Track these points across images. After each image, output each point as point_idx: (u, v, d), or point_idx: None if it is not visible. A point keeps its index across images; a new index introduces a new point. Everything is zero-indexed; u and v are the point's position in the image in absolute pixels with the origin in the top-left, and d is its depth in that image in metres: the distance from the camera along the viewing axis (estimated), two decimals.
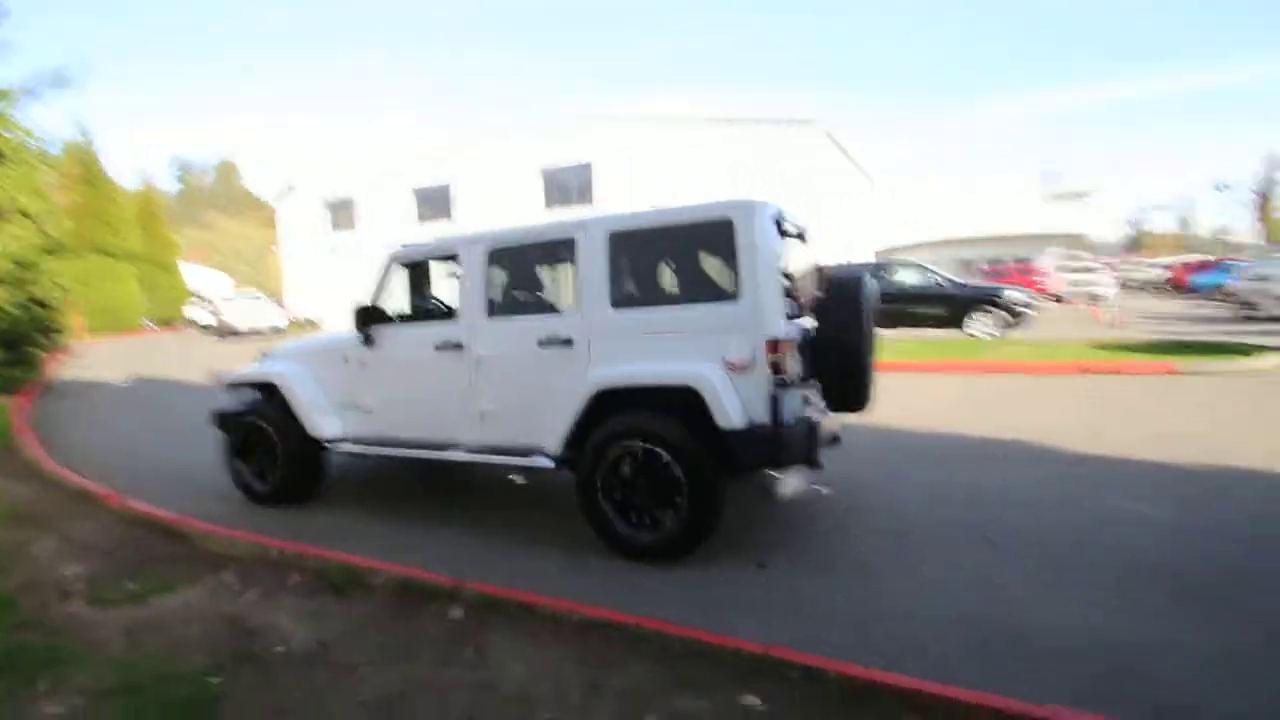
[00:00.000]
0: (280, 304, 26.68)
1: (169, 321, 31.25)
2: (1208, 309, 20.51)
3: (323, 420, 4.66)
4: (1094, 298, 22.12)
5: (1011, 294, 12.39)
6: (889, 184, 30.37)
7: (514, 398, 3.97)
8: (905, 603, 3.05)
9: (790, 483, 4.75)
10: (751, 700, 2.22)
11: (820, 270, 4.13)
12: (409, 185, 25.26)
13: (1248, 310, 16.15)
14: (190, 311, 30.31)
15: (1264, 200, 48.21)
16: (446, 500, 4.93)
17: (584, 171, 21.20)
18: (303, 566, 3.54)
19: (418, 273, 4.86)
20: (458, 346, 4.11)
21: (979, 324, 12.26)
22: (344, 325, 5.06)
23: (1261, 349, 8.87)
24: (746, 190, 18.12)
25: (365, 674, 2.52)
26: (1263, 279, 15.72)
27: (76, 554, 3.92)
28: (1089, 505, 4.16)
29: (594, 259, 3.71)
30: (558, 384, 3.80)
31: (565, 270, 3.89)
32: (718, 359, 3.41)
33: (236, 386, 5.21)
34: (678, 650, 2.55)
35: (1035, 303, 13.28)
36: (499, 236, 4.07)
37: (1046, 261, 25.33)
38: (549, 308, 3.96)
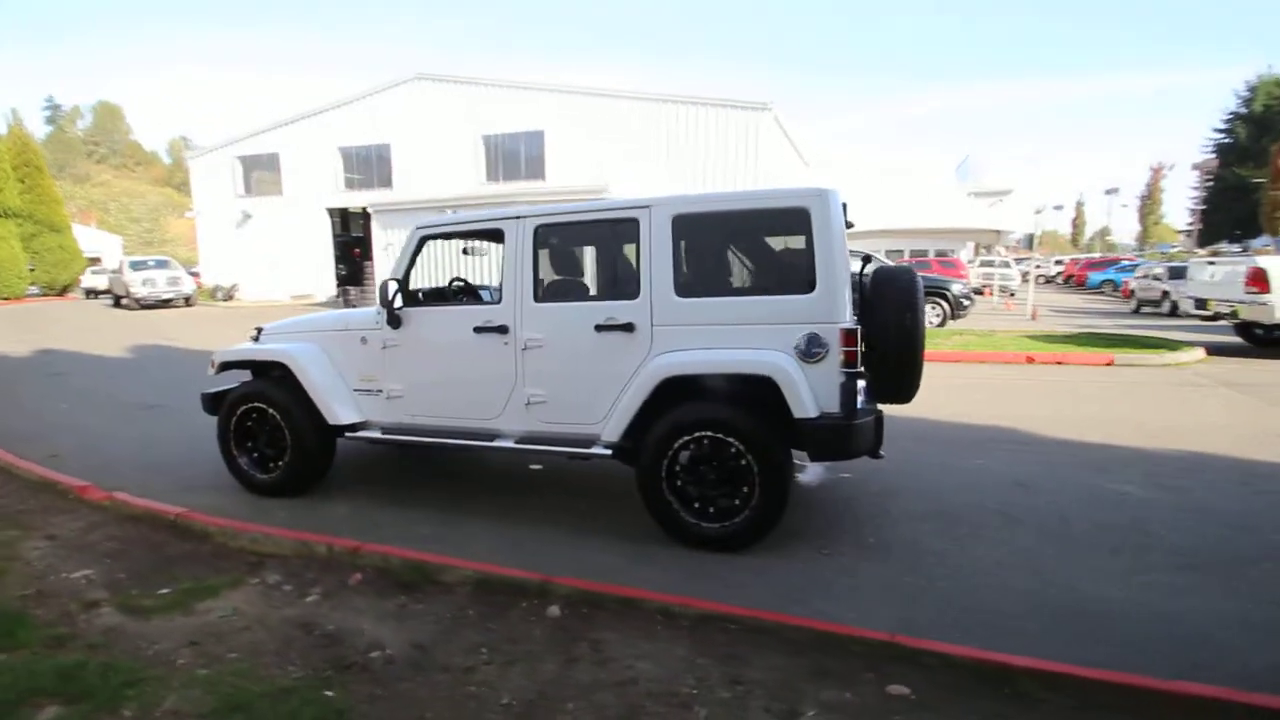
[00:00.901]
0: (193, 272, 24.58)
1: (63, 289, 28.21)
2: (1103, 303, 22.60)
3: (340, 405, 4.35)
4: (1005, 291, 23.83)
5: (958, 287, 13.15)
6: (823, 168, 31.26)
7: (566, 385, 3.85)
8: (966, 582, 3.22)
9: (814, 470, 4.92)
10: (900, 690, 2.29)
11: (866, 261, 4.22)
12: (337, 144, 23.64)
13: (1147, 306, 18.04)
14: (88, 279, 27.46)
15: (1145, 205, 53.31)
16: (459, 488, 4.74)
17: (536, 140, 20.55)
18: (359, 564, 3.32)
19: (454, 241, 4.59)
20: (501, 330, 3.93)
21: (927, 315, 12.98)
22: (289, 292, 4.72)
23: (1180, 344, 9.85)
24: (696, 168, 18.27)
25: (488, 677, 2.41)
26: (1160, 279, 17.59)
27: (76, 556, 3.50)
28: (1090, 488, 4.51)
29: (659, 241, 3.62)
30: (617, 371, 3.72)
31: (623, 251, 3.78)
32: (790, 348, 3.43)
33: (231, 367, 4.78)
34: (802, 641, 2.58)
35: (972, 295, 14.18)
36: (549, 212, 3.90)
37: (965, 255, 26.95)
38: (607, 291, 3.84)
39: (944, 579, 3.26)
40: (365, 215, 25.91)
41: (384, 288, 4.08)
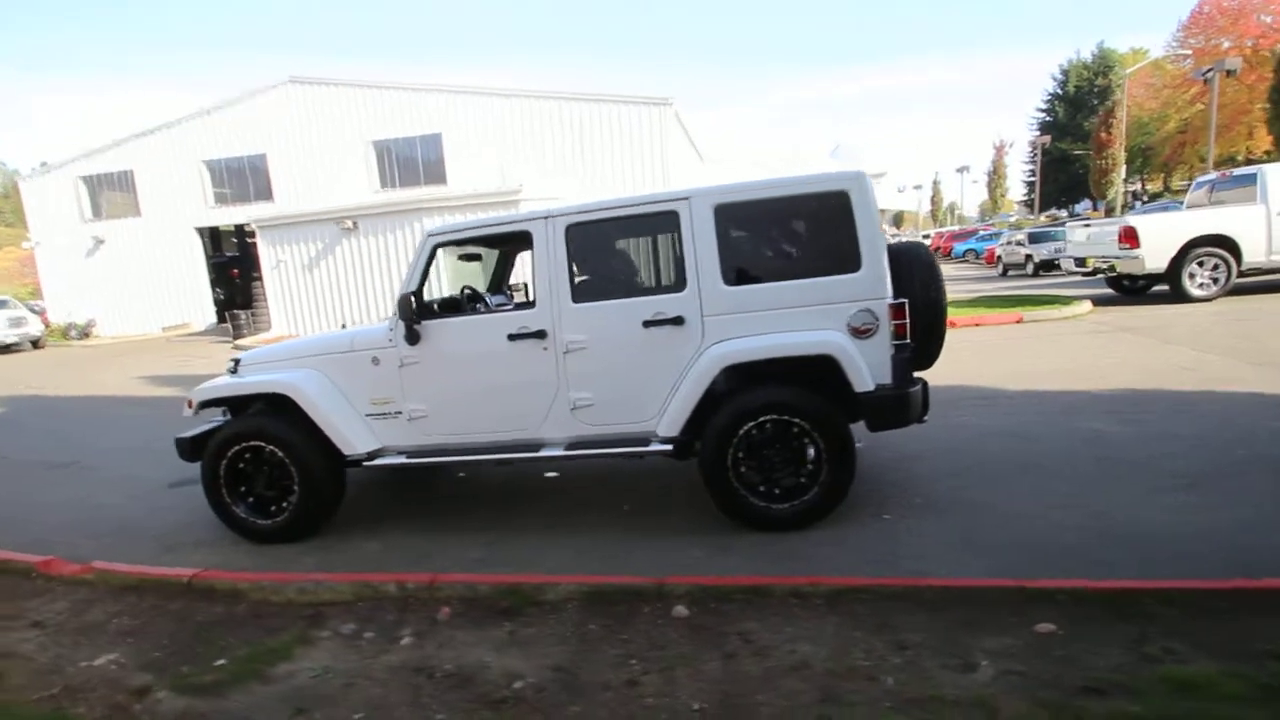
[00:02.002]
0: (36, 309, 21.41)
1: None
2: (971, 270, 25.04)
3: (355, 434, 3.99)
4: None
5: None
6: (714, 160, 32.21)
7: (614, 385, 3.75)
8: (1026, 526, 3.49)
9: None
10: (1048, 627, 2.45)
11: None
12: (202, 157, 21.38)
13: (1013, 269, 20.25)
14: None
15: (992, 180, 59.45)
16: (479, 507, 4.51)
17: (433, 143, 19.63)
18: (439, 597, 3.07)
19: (465, 255, 4.31)
20: (539, 335, 3.77)
21: None
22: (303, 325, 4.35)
23: (1071, 299, 11.11)
24: (605, 166, 18.25)
25: (657, 687, 2.32)
26: (1023, 244, 19.80)
27: (86, 642, 2.98)
28: (1071, 430, 5.00)
29: (702, 232, 3.61)
30: (668, 365, 3.68)
31: (664, 244, 3.73)
32: (843, 326, 3.56)
33: (213, 404, 4.25)
34: (935, 600, 2.69)
35: None
36: (579, 210, 3.77)
37: None
38: (652, 286, 3.78)
39: (1003, 526, 3.51)
40: (240, 233, 23.79)
41: (404, 302, 3.77)
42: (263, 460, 4.07)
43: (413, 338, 3.89)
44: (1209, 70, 23.43)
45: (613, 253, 3.89)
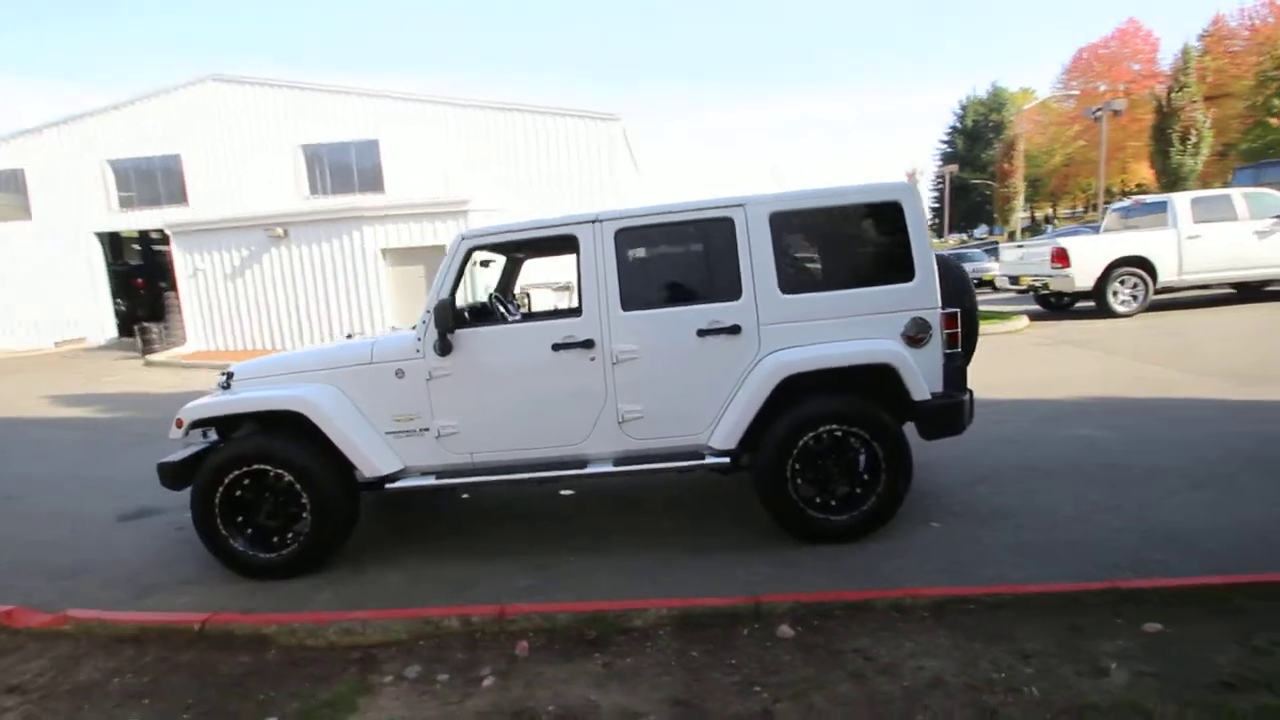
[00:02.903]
0: None
1: None
2: None
3: (377, 454, 3.64)
4: None
5: None
6: (653, 176, 32.59)
7: (666, 396, 3.60)
8: (1071, 529, 3.59)
9: None
10: (1154, 626, 2.49)
11: None
12: (106, 156, 19.49)
13: None
14: None
15: None
16: (509, 527, 4.22)
17: (369, 149, 18.74)
18: (512, 630, 2.79)
19: (481, 261, 4.03)
20: (587, 344, 3.57)
21: None
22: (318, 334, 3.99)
23: (1010, 314, 11.85)
24: (552, 179, 18.02)
25: (797, 714, 2.18)
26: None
27: (89, 706, 2.51)
28: (1064, 438, 5.24)
29: (758, 240, 3.55)
30: (723, 375, 3.58)
31: (718, 251, 3.63)
32: (898, 335, 3.57)
33: (206, 425, 3.76)
34: (1037, 605, 2.70)
35: None
36: (629, 215, 3.62)
37: None
38: (705, 294, 3.66)
39: (1050, 530, 3.60)
40: (145, 240, 21.84)
41: (442, 310, 3.48)
42: (265, 486, 3.63)
43: (445, 348, 3.59)
44: (1099, 109, 25.85)
45: (663, 259, 3.76)
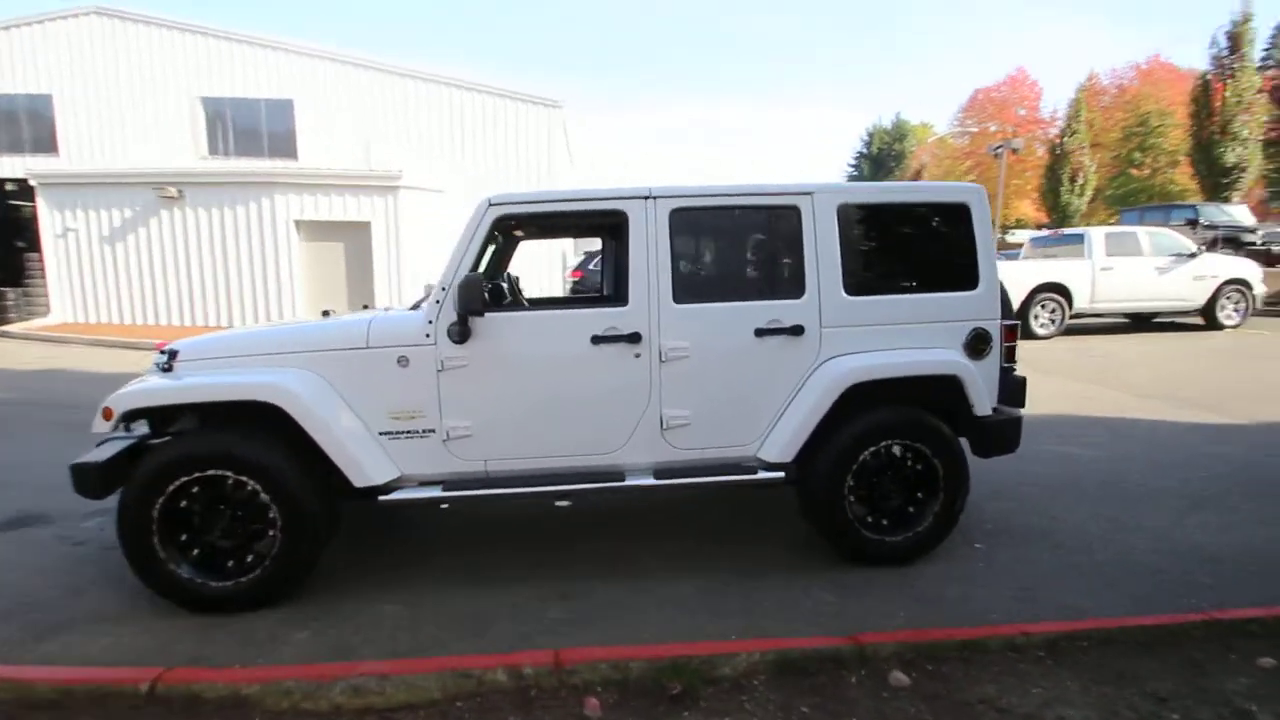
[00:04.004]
0: None
1: None
2: None
3: (370, 458, 2.99)
4: None
5: None
6: (588, 163, 31.95)
7: (716, 402, 3.21)
8: (1110, 550, 3.52)
9: None
10: (1269, 661, 2.38)
11: None
12: None
13: None
14: None
15: None
16: (495, 541, 3.66)
17: (282, 110, 16.91)
18: (573, 683, 2.28)
19: (533, 232, 3.43)
20: (633, 338, 3.11)
21: None
22: (361, 307, 3.34)
23: None
24: (489, 161, 17.07)
25: None
26: None
27: None
28: (1047, 453, 5.29)
29: (825, 233, 3.23)
30: (779, 381, 3.23)
31: (779, 242, 3.28)
32: (960, 345, 3.37)
33: (139, 417, 2.95)
34: (1146, 641, 2.53)
35: None
36: (686, 193, 3.19)
37: None
38: (765, 289, 3.28)
39: (1091, 551, 3.51)
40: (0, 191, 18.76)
41: (470, 288, 2.88)
42: (221, 496, 2.90)
43: (463, 334, 3.00)
44: (999, 146, 27.95)
45: (720, 247, 3.35)
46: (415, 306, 3.52)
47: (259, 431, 2.95)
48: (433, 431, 3.08)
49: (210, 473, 2.84)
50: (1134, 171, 37.74)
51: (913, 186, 3.47)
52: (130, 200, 13.42)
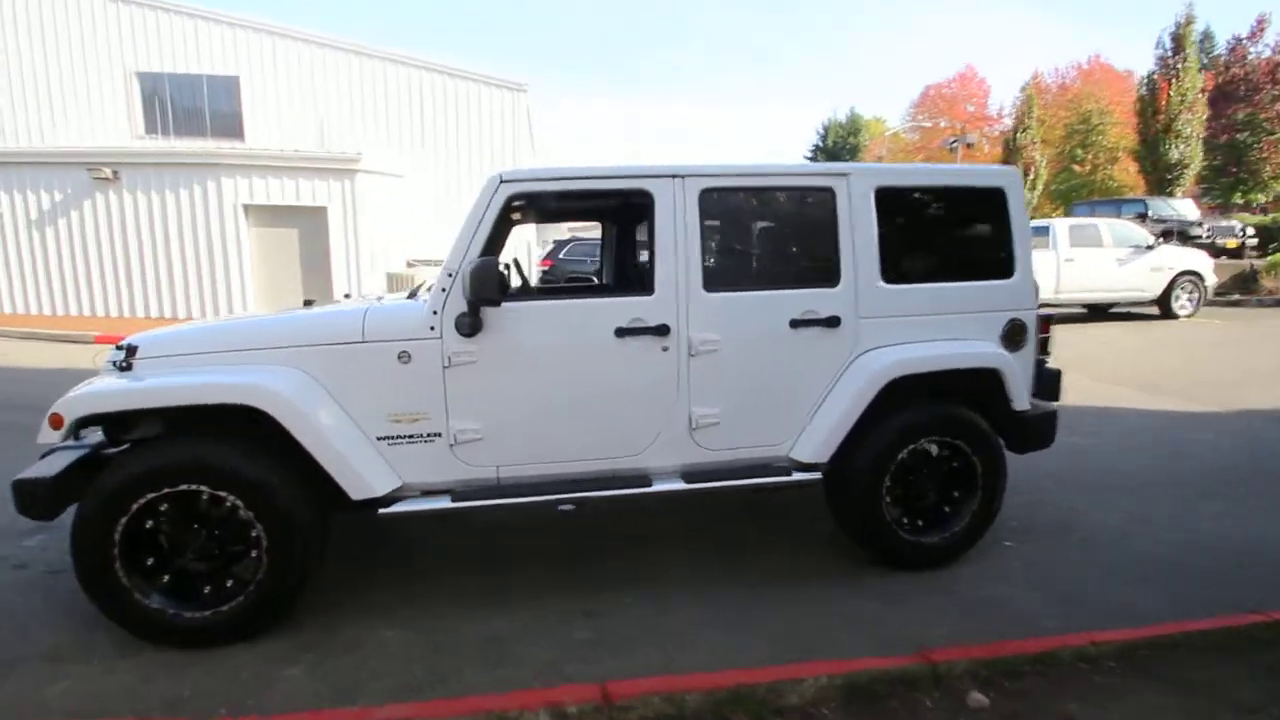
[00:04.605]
0: None
1: None
2: None
3: (369, 467, 2.65)
4: None
5: None
6: (547, 154, 31.28)
7: (749, 397, 2.97)
8: (1135, 544, 3.46)
9: None
10: None
11: None
12: None
13: None
14: None
15: None
16: (500, 556, 3.37)
17: (226, 88, 15.85)
18: (619, 717, 2.01)
19: (536, 215, 3.11)
20: (660, 330, 2.84)
21: None
22: (354, 295, 2.98)
23: None
24: (451, 146, 16.42)
25: None
26: None
27: None
28: (1071, 445, 5.20)
29: (861, 217, 3.02)
30: (815, 374, 3.03)
31: (812, 227, 3.05)
32: (995, 337, 3.22)
33: (94, 423, 2.53)
34: (1207, 645, 2.42)
35: None
36: (717, 172, 2.93)
37: None
38: (799, 277, 3.05)
39: (1121, 545, 3.44)
40: None
41: (484, 273, 2.55)
42: (195, 514, 2.52)
43: (474, 326, 2.68)
44: (954, 141, 28.54)
45: (751, 231, 3.09)
46: (412, 295, 3.17)
47: (237, 438, 2.58)
48: (438, 435, 2.75)
49: (182, 488, 2.46)
50: (1076, 167, 39.16)
51: (948, 169, 3.30)
52: (61, 182, 12.36)
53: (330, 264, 13.17)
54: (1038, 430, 3.29)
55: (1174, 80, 19.91)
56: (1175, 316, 12.43)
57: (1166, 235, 14.54)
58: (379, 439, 2.73)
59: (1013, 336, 3.23)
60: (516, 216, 3.77)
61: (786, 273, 3.07)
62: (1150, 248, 12.17)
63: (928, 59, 70.46)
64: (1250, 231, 17.23)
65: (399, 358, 2.70)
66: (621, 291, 3.53)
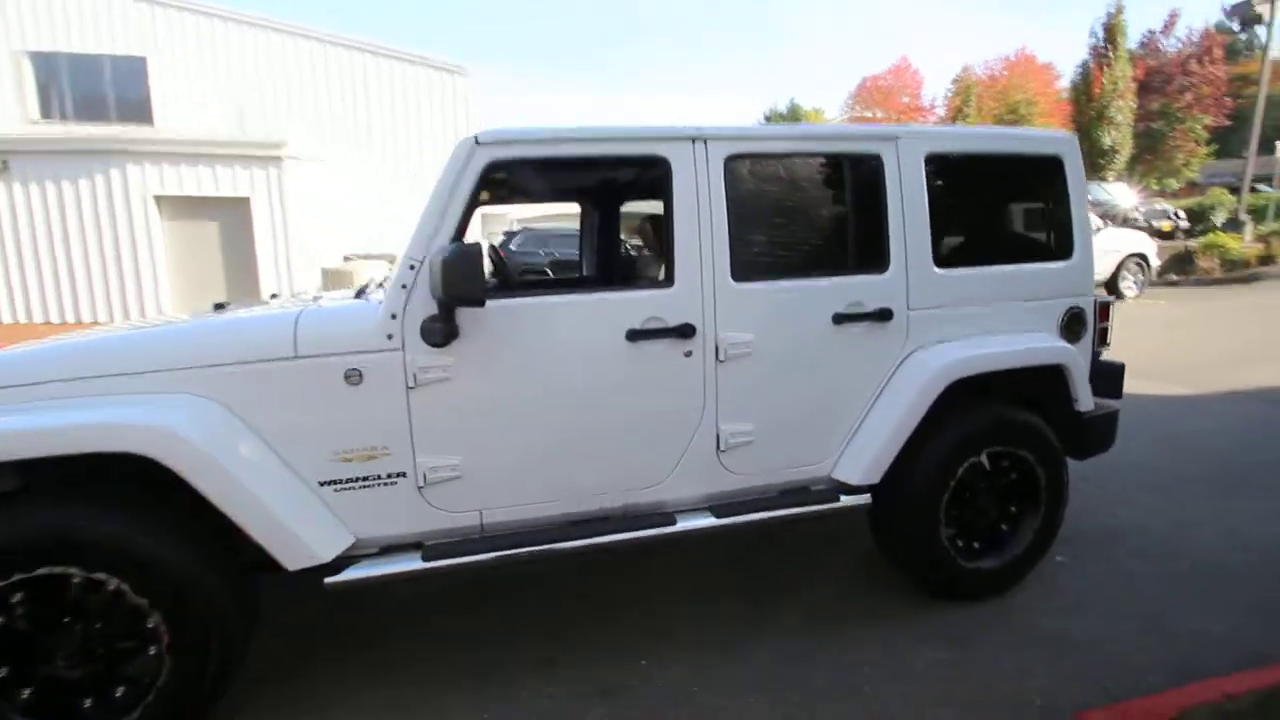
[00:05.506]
0: None
1: None
2: None
3: (308, 525, 2.00)
4: None
5: None
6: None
7: (787, 410, 2.46)
8: (1187, 547, 3.15)
9: None
10: None
11: None
12: None
13: None
14: None
15: None
16: (465, 614, 2.76)
17: (132, 70, 14.26)
18: None
19: (529, 190, 2.47)
20: (683, 332, 2.28)
21: None
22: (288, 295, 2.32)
23: None
24: (385, 131, 15.31)
25: None
26: None
27: None
28: None
29: (912, 190, 2.53)
30: (862, 378, 2.53)
31: (855, 202, 2.54)
32: (1054, 328, 2.80)
33: None
34: None
35: None
36: (741, 135, 2.37)
37: None
38: (841, 262, 2.53)
39: (1175, 558, 3.09)
40: None
41: (459, 263, 1.91)
42: (63, 603, 1.82)
43: (446, 333, 2.05)
44: None
45: (787, 206, 2.54)
46: (360, 294, 2.50)
47: (121, 495, 1.90)
48: (402, 475, 2.12)
49: (42, 572, 1.76)
50: None
51: (1002, 133, 2.88)
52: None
53: (257, 260, 12.03)
54: (1099, 433, 2.90)
55: (1106, 68, 20.51)
56: (1122, 297, 12.67)
57: (1113, 218, 14.90)
58: (323, 484, 2.07)
59: (1072, 326, 2.82)
60: (487, 195, 3.13)
61: (827, 258, 2.55)
62: (1098, 230, 12.33)
63: (867, 50, 71.87)
64: (1182, 215, 17.90)
65: (346, 378, 2.05)
66: (631, 285, 2.95)
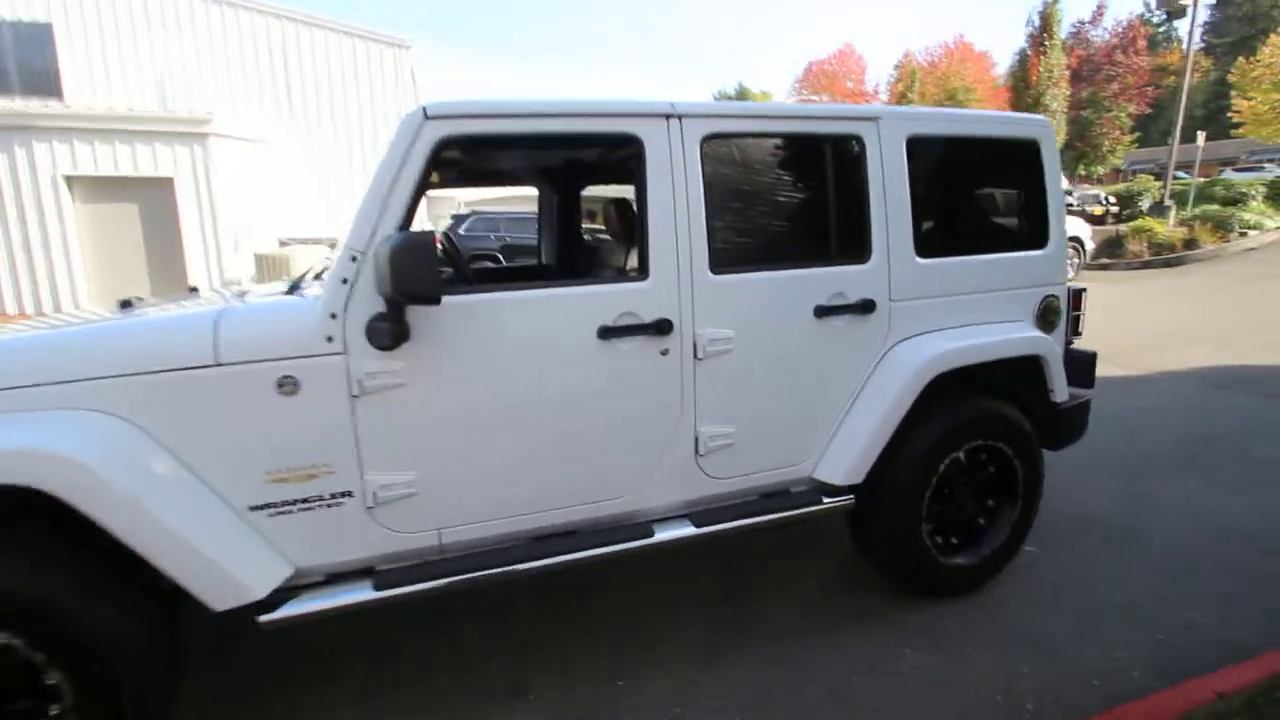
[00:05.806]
0: None
1: None
2: None
3: (237, 556, 1.74)
4: None
5: None
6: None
7: (769, 408, 2.32)
8: (1157, 538, 3.15)
9: None
10: None
11: None
12: None
13: None
14: None
15: None
16: (433, 633, 2.55)
17: (36, 38, 12.99)
18: None
19: (481, 171, 2.21)
20: (660, 328, 2.10)
21: None
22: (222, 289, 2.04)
23: None
24: (322, 106, 14.50)
25: None
26: None
27: None
28: None
29: (893, 175, 2.41)
30: (843, 373, 2.41)
31: (835, 186, 2.39)
32: (1030, 318, 2.75)
33: None
34: None
35: None
36: (718, 111, 2.19)
37: None
38: (821, 252, 2.38)
39: (1144, 546, 3.11)
40: None
41: (410, 252, 1.67)
42: None
43: (396, 334, 1.81)
44: None
45: (766, 191, 2.36)
46: (293, 289, 2.22)
47: (12, 534, 1.61)
48: (348, 495, 1.88)
49: None
50: None
51: (983, 116, 2.77)
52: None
53: (183, 245, 11.24)
54: (1072, 423, 2.87)
55: (1042, 56, 21.19)
56: None
57: None
58: (254, 509, 1.82)
59: (1046, 316, 2.77)
60: (437, 176, 2.86)
61: (808, 247, 2.40)
62: None
63: (815, 33, 72.41)
64: (1113, 200, 18.71)
65: (279, 386, 1.79)
66: (601, 277, 2.74)
